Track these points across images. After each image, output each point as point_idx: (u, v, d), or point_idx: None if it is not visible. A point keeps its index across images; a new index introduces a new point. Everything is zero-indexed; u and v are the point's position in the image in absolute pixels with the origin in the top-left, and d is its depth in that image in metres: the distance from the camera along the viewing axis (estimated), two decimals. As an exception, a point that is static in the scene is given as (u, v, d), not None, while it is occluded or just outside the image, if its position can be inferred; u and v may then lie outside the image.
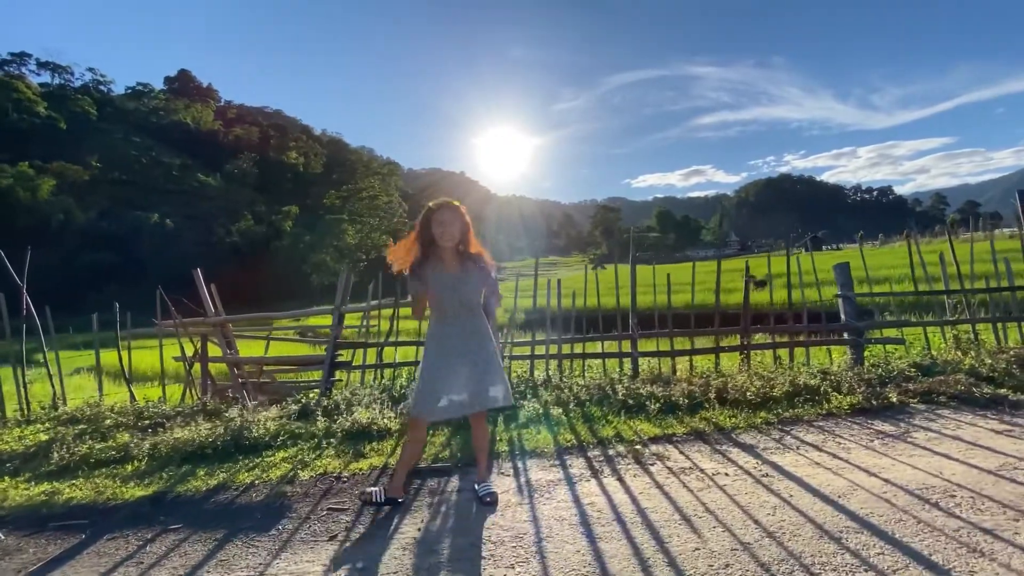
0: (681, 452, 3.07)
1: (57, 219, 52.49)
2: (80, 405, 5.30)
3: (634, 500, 2.48)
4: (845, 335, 5.28)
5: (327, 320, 6.16)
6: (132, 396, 5.71)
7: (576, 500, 2.52)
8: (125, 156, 69.54)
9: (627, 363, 5.17)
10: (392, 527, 2.39)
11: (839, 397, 3.74)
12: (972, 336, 5.06)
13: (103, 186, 61.88)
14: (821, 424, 3.38)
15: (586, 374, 5.23)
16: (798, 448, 2.99)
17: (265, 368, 6.47)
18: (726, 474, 2.70)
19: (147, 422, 4.70)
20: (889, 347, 5.16)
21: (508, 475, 2.92)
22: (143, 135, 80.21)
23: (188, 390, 6.26)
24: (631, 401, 4.04)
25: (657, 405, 3.88)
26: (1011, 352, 4.29)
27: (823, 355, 5.44)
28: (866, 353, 5.36)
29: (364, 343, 5.94)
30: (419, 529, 2.35)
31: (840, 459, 2.78)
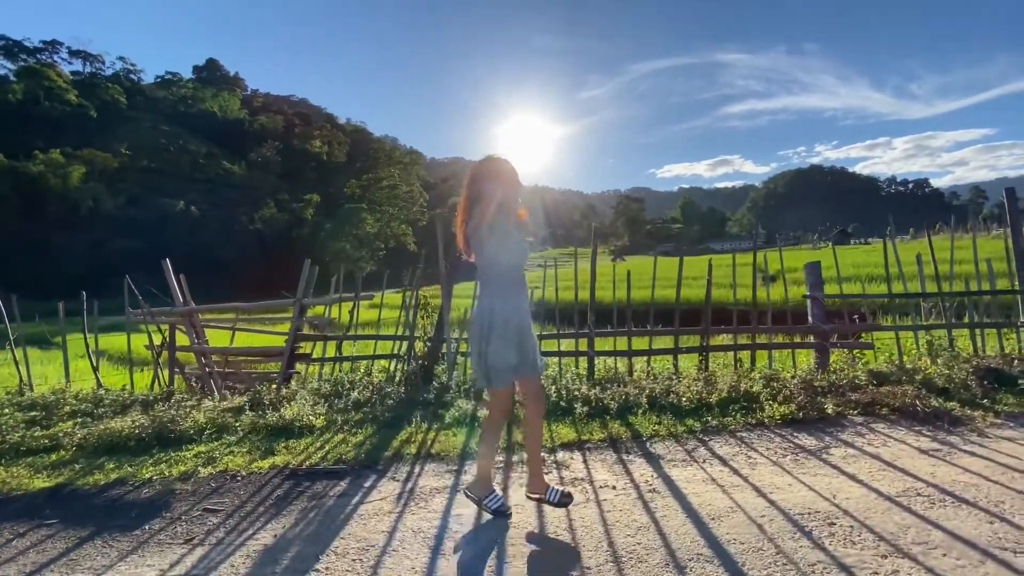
0: (584, 461, 2.95)
1: (87, 205, 54.34)
2: (45, 392, 5.43)
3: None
4: (812, 338, 5.03)
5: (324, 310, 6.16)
6: (98, 383, 5.85)
7: (447, 511, 2.43)
8: (153, 144, 71.38)
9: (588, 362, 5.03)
10: (251, 532, 2.34)
11: (775, 406, 3.54)
12: (948, 342, 4.75)
13: (132, 173, 63.72)
14: (744, 435, 3.20)
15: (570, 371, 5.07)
16: (704, 461, 2.83)
17: (232, 358, 6.53)
18: (613, 487, 2.57)
19: (104, 410, 4.80)
20: (858, 352, 4.89)
21: (398, 480, 2.84)
22: (171, 123, 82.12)
23: (156, 378, 6.36)
24: (563, 403, 3.92)
25: (585, 408, 3.75)
26: (976, 362, 4.00)
27: (802, 357, 5.17)
28: (834, 357, 5.11)
29: (324, 336, 5.94)
30: (276, 536, 2.30)
31: (740, 476, 2.61)
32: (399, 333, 5.40)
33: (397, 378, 5.09)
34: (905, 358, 4.78)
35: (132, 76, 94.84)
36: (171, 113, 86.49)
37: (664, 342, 5.18)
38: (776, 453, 2.88)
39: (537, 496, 2.39)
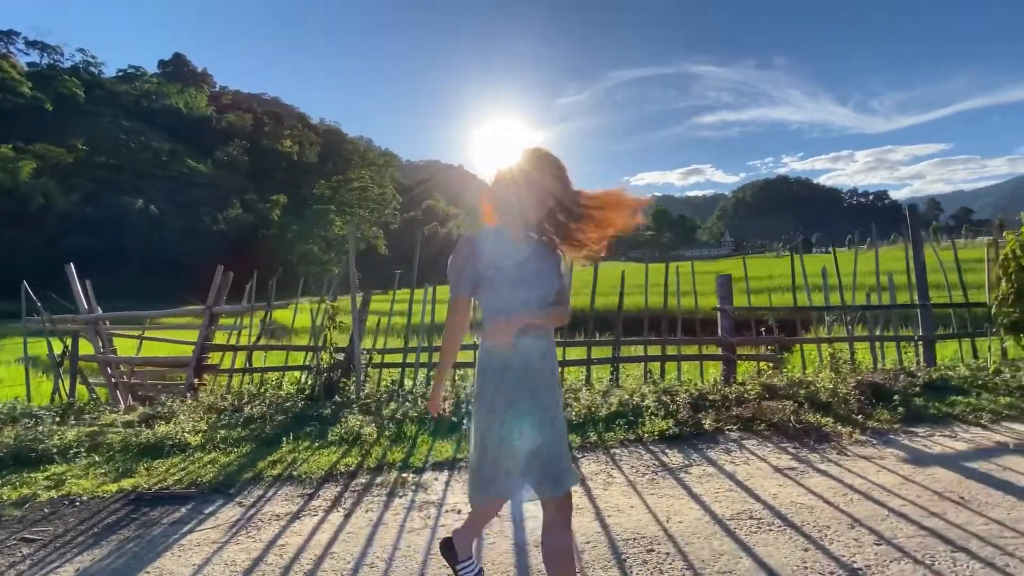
0: (447, 482, 2.86)
1: (37, 202, 51.86)
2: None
3: (324, 542, 2.26)
4: (720, 350, 5.07)
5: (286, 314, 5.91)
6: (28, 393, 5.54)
7: (273, 541, 2.30)
8: (112, 139, 68.73)
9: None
10: (56, 565, 2.17)
11: (656, 421, 3.52)
12: (849, 356, 4.85)
13: (88, 169, 61.15)
14: (617, 451, 3.17)
15: (463, 384, 4.97)
16: (564, 482, 2.78)
17: (138, 368, 6.23)
18: (459, 512, 2.48)
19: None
20: (764, 364, 4.95)
21: (244, 505, 2.70)
22: (132, 119, 79.30)
23: (57, 390, 6.02)
24: (455, 419, 3.82)
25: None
26: (860, 377, 4.07)
27: (713, 368, 5.20)
28: (743, 368, 5.17)
29: (233, 346, 5.71)
30: (77, 570, 2.13)
31: (589, 497, 2.56)
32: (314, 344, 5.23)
33: (307, 391, 4.92)
34: (808, 370, 4.88)
35: (92, 69, 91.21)
36: (133, 108, 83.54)
37: (578, 352, 5.15)
38: (637, 471, 2.84)
39: None
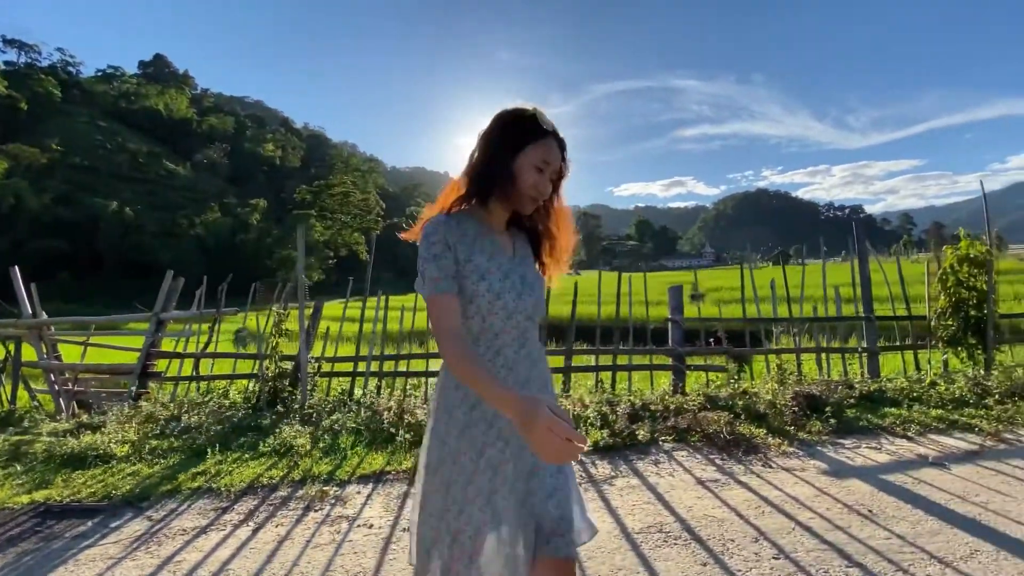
0: (368, 496, 2.80)
1: (8, 203, 50.36)
2: None
3: (223, 558, 2.18)
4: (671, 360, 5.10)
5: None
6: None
7: (170, 558, 2.22)
8: (89, 140, 67.29)
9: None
10: (-70, 587, 2.06)
11: (592, 432, 3.50)
12: (796, 367, 4.91)
13: (62, 171, 59.67)
14: (549, 464, 3.14)
15: (414, 393, 4.90)
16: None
17: (81, 375, 6.03)
18: (370, 527, 2.43)
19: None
20: (712, 375, 4.98)
21: (153, 519, 2.60)
22: (110, 120, 77.82)
23: (-3, 396, 5.79)
24: (393, 430, 3.76)
25: (409, 437, 3.61)
26: (798, 388, 4.12)
27: (663, 379, 5.21)
28: (693, 378, 5.20)
29: (179, 353, 5.57)
30: (-49, 592, 2.02)
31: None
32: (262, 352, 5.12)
33: (251, 401, 4.81)
34: (756, 381, 4.92)
35: (70, 69, 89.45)
36: (111, 109, 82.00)
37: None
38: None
39: None
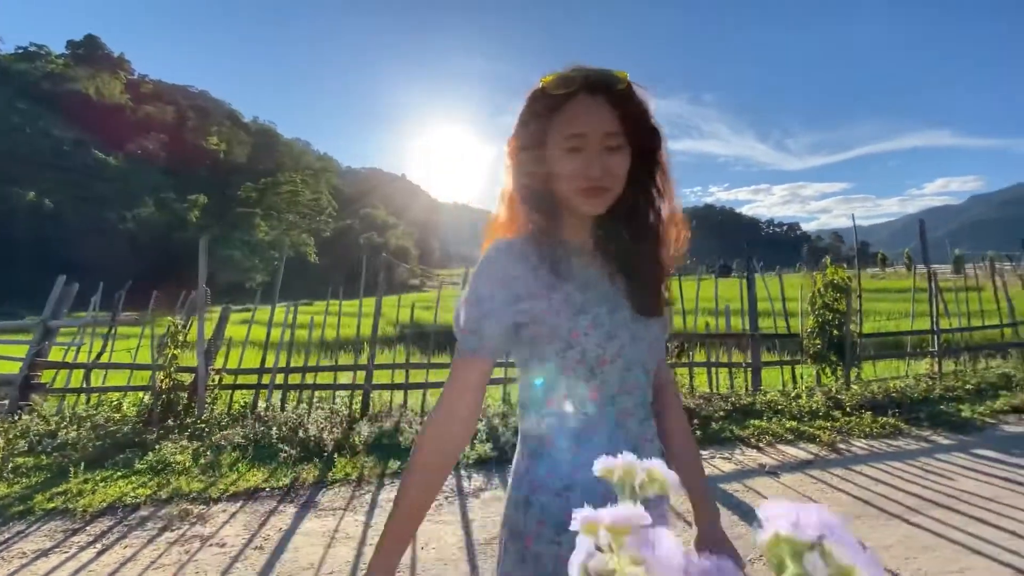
0: (233, 515, 2.80)
1: (-97, 189, 45.52)
2: None
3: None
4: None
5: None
6: None
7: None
8: (5, 123, 61.92)
9: (363, 396, 4.90)
10: None
11: (479, 446, 3.64)
12: (688, 381, 5.25)
13: (-29, 155, 54.66)
14: (399, 482, 3.24)
15: (321, 406, 4.86)
16: (352, 511, 2.81)
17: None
18: (222, 545, 2.45)
19: None
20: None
21: (-9, 543, 2.51)
22: (31, 102, 71.92)
23: None
24: (280, 445, 3.75)
25: (296, 452, 3.62)
26: (681, 401, 4.42)
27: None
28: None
29: (68, 364, 5.29)
30: None
31: (365, 526, 2.61)
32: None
33: (144, 414, 4.64)
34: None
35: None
36: (33, 91, 75.77)
37: (442, 375, 5.22)
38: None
39: None
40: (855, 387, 4.83)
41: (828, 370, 5.09)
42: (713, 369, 5.44)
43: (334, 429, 4.03)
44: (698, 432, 3.89)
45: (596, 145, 0.73)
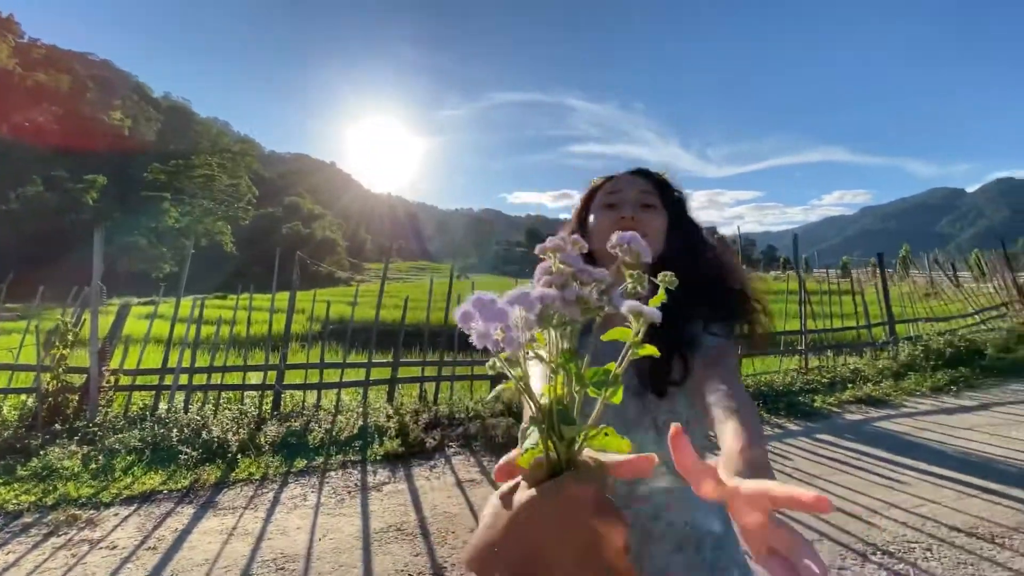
0: (126, 518, 2.78)
1: None
2: None
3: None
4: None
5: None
6: None
7: None
8: None
9: (274, 396, 4.84)
10: None
11: (388, 442, 3.80)
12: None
13: None
14: (333, 474, 3.36)
15: (229, 407, 4.75)
16: (249, 508, 2.89)
17: None
18: (114, 547, 2.46)
19: None
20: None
21: None
22: None
23: None
24: (180, 448, 3.69)
25: (196, 454, 3.59)
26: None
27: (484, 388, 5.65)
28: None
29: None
30: None
31: (266, 521, 2.70)
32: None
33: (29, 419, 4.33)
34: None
35: None
36: None
37: (357, 374, 5.29)
38: (335, 492, 3.07)
39: None
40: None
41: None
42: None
43: (240, 430, 4.02)
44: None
45: (631, 200, 0.85)
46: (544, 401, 0.36)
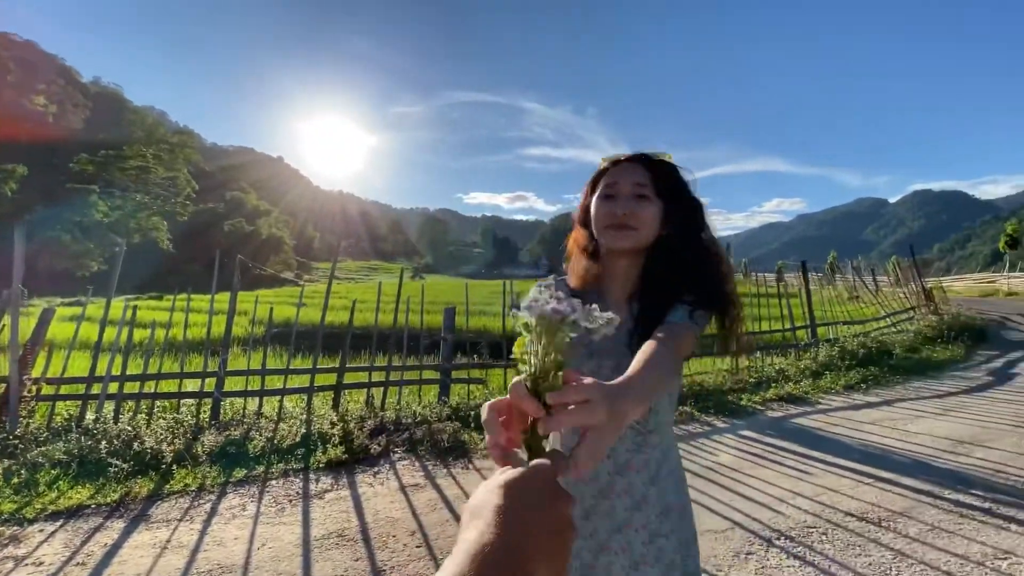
0: (42, 533, 2.68)
1: None
2: None
3: None
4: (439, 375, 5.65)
5: None
6: None
7: None
8: None
9: (213, 404, 4.69)
10: None
11: (331, 449, 3.81)
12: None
13: None
14: (274, 483, 3.34)
15: (164, 416, 4.56)
16: (185, 520, 2.85)
17: None
18: (39, 564, 2.37)
19: None
20: (474, 387, 5.66)
21: None
22: None
23: None
24: (110, 460, 3.54)
25: (128, 467, 3.47)
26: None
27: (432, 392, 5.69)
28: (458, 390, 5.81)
29: None
30: None
31: (202, 533, 2.68)
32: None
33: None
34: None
35: None
36: None
37: (302, 380, 5.21)
38: (276, 501, 3.06)
39: None
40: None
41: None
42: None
43: (176, 440, 3.90)
44: (536, 426, 4.43)
45: (626, 192, 0.95)
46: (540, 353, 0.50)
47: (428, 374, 5.75)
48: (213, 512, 2.93)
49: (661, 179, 0.97)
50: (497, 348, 6.20)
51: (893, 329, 9.43)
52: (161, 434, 3.99)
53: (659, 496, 0.94)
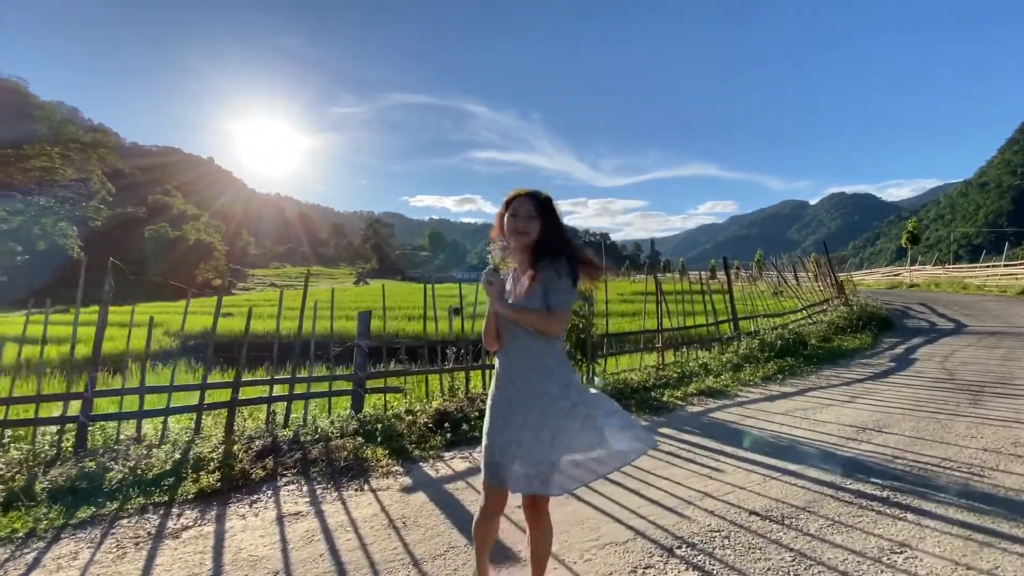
0: None
1: None
2: None
3: None
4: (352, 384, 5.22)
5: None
6: None
7: None
8: None
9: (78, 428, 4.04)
10: None
11: (205, 476, 3.34)
12: (465, 384, 5.54)
13: None
14: (125, 521, 2.85)
15: (18, 445, 3.87)
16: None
17: None
18: None
19: None
20: (391, 396, 5.28)
21: None
22: None
23: None
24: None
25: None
26: (442, 405, 4.67)
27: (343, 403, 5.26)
28: (372, 400, 5.41)
29: None
30: None
31: (7, 595, 2.19)
32: None
33: None
34: (432, 399, 5.37)
35: None
36: None
37: (191, 397, 4.65)
38: (119, 544, 2.59)
39: None
40: (596, 380, 5.68)
41: (577, 367, 5.88)
42: (487, 372, 5.85)
43: (19, 476, 3.31)
44: (449, 434, 4.14)
45: (523, 213, 1.78)
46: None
47: (340, 385, 5.32)
48: (35, 564, 2.43)
49: (541, 206, 1.80)
50: (416, 353, 5.84)
51: (809, 321, 9.88)
52: (4, 469, 3.37)
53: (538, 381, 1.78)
